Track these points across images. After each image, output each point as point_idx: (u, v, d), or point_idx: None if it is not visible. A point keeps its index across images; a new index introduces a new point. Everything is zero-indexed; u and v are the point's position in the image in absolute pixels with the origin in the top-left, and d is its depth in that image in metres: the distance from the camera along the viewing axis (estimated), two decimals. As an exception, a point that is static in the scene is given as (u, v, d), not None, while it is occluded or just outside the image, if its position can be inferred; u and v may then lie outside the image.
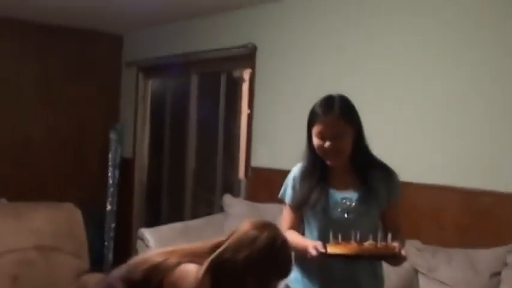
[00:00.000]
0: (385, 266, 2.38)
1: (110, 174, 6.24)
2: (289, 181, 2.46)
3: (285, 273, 2.01)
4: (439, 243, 3.41)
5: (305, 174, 2.40)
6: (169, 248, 2.09)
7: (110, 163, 6.25)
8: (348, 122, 2.28)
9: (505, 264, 3.09)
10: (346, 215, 2.30)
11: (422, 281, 3.29)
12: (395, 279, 3.11)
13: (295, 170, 2.46)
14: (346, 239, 2.17)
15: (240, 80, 5.31)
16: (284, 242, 1.99)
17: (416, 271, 3.33)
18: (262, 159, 4.77)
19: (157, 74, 6.32)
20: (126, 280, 1.99)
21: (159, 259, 1.97)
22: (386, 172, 2.39)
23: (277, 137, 4.61)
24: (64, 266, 3.96)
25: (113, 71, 6.55)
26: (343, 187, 2.35)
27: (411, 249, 3.35)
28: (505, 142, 3.30)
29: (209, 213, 5.11)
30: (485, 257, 3.17)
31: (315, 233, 2.35)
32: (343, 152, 2.30)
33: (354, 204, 2.31)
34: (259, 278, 1.94)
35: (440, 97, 3.58)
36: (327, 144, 2.26)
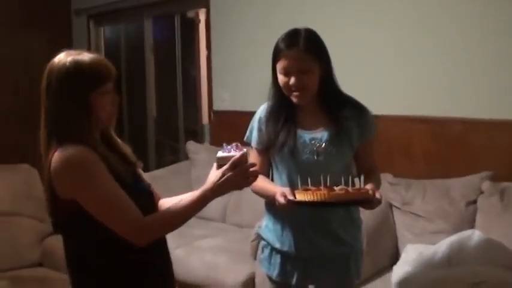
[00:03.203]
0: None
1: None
2: (254, 123, 2.31)
3: (95, 82, 1.82)
4: (411, 176, 3.35)
5: (271, 115, 2.25)
6: None
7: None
8: (314, 56, 2.12)
9: (481, 192, 3.03)
10: (315, 157, 2.16)
11: (397, 215, 3.23)
12: (369, 216, 3.02)
13: (261, 111, 2.30)
14: (316, 183, 2.01)
15: (195, 21, 5.08)
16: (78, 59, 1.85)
17: (390, 205, 3.26)
18: (224, 102, 4.59)
19: (109, 21, 6.04)
20: None
21: None
22: (357, 109, 2.23)
23: (239, 78, 4.43)
24: (26, 230, 3.81)
25: (62, 21, 6.21)
26: (312, 127, 2.20)
27: (384, 184, 3.26)
28: (472, 70, 3.21)
29: (174, 161, 4.97)
30: (460, 186, 3.11)
31: (284, 178, 2.21)
32: (309, 88, 2.14)
33: (323, 145, 2.17)
34: (74, 98, 1.83)
35: (407, 28, 3.46)
36: (292, 80, 2.11)
